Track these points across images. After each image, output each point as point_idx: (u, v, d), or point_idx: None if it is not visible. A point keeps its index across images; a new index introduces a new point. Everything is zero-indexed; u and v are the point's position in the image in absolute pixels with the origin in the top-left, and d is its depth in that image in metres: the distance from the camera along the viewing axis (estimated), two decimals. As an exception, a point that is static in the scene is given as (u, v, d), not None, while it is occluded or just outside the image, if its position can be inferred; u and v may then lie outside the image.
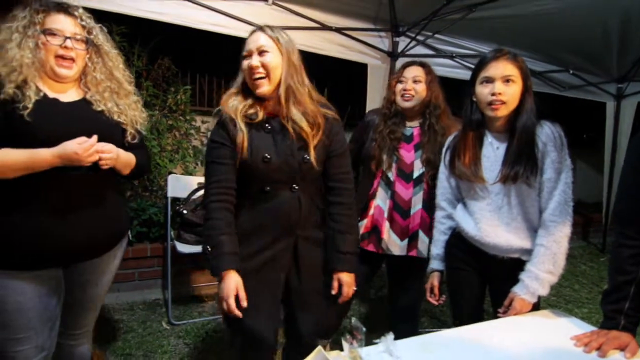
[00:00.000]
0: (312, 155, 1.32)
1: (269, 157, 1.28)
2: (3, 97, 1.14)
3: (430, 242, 1.71)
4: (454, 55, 3.38)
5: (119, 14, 2.26)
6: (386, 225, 1.79)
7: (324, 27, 2.88)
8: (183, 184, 2.64)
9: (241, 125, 1.28)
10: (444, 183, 1.58)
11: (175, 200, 2.65)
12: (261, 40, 1.28)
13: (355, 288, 1.42)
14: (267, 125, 1.31)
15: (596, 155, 4.94)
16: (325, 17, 2.88)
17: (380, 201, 1.81)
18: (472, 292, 1.55)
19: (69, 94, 1.28)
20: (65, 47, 1.21)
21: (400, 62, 3.08)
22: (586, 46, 3.34)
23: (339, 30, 2.95)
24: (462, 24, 2.90)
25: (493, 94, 1.34)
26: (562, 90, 4.05)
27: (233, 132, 1.29)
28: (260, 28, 1.31)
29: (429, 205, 1.73)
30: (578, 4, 2.61)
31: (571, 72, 3.85)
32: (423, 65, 1.81)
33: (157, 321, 2.46)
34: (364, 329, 1.02)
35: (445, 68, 3.45)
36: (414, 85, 1.76)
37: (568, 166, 1.35)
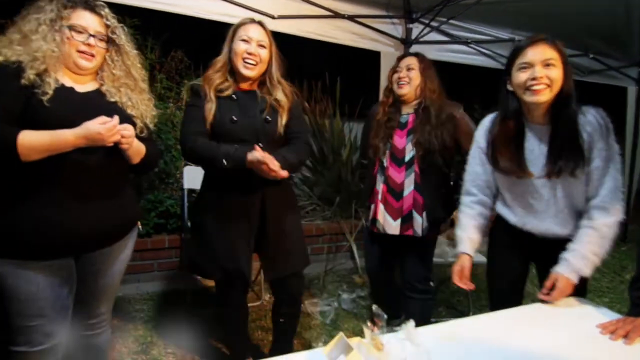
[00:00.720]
0: (283, 119, 1.59)
1: (235, 119, 1.54)
2: (24, 82, 1.17)
3: (423, 221, 1.85)
4: (469, 41, 3.31)
5: (132, 6, 2.27)
6: (380, 207, 1.92)
7: (336, 15, 2.85)
8: (198, 176, 2.64)
9: (212, 96, 1.53)
10: (475, 168, 1.52)
11: (192, 191, 2.67)
12: (262, 35, 1.56)
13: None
14: (233, 96, 1.57)
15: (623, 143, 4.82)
16: (338, 5, 2.85)
17: (378, 186, 1.95)
18: (513, 276, 1.53)
19: (85, 85, 1.32)
20: (88, 45, 1.26)
21: (414, 49, 3.03)
22: (606, 28, 3.24)
23: (351, 18, 2.91)
24: (476, 9, 2.84)
25: (534, 78, 1.27)
26: (582, 76, 3.94)
27: (203, 100, 1.54)
28: (261, 23, 1.60)
29: (422, 186, 1.86)
30: None
31: (591, 56, 3.74)
32: (417, 55, 1.94)
33: (176, 311, 2.50)
34: (385, 316, 1.01)
35: (460, 54, 3.40)
36: (408, 73, 1.88)
37: (616, 152, 1.31)
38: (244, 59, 1.53)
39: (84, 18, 1.25)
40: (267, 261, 1.67)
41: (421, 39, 3.10)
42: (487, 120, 1.51)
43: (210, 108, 1.52)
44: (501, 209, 1.52)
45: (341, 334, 0.97)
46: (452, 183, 2.01)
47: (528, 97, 1.30)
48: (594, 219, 1.31)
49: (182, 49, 3.18)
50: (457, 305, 2.75)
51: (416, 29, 3.10)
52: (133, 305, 2.53)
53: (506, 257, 1.55)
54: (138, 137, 1.37)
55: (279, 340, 1.85)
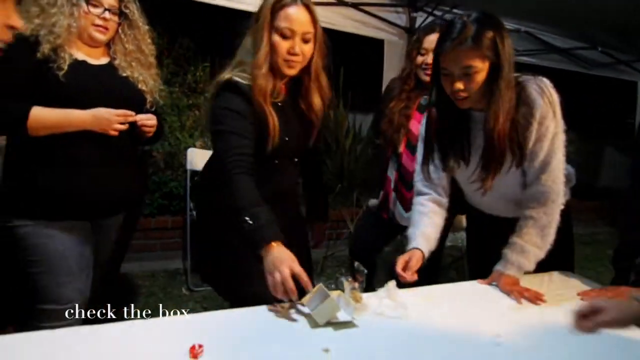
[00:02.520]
0: (313, 135, 1.36)
1: (287, 139, 1.25)
2: (39, 56, 1.21)
3: None
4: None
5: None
6: (393, 196, 1.83)
7: (340, 3, 2.89)
8: (202, 158, 2.71)
9: (271, 110, 1.19)
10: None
11: (195, 173, 2.74)
12: (307, 23, 1.18)
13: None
14: (280, 104, 1.25)
15: (624, 138, 4.76)
16: (342, -8, 2.88)
17: (390, 172, 1.85)
18: (491, 252, 1.51)
19: (97, 58, 1.36)
20: (104, 18, 1.29)
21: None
22: (616, 21, 3.20)
23: (355, 5, 2.94)
24: (481, -3, 2.84)
25: (452, 92, 1.16)
26: (588, 69, 3.91)
27: (259, 113, 1.18)
28: (306, 5, 1.18)
29: None
30: None
31: (600, 49, 3.70)
32: None
33: (177, 287, 2.57)
34: (365, 271, 1.05)
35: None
36: None
37: (560, 131, 1.18)
38: (285, 60, 1.19)
39: None
40: None
41: (425, 28, 3.12)
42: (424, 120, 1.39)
43: (272, 123, 1.19)
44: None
45: (320, 284, 1.01)
46: None
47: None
48: (532, 208, 1.21)
49: (188, 36, 3.25)
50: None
51: (420, 17, 3.11)
52: (135, 281, 2.61)
53: (481, 232, 1.52)
54: (147, 111, 1.43)
55: None
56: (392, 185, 1.83)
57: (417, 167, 1.41)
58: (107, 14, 1.29)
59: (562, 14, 3.11)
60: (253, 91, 1.17)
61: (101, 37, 1.31)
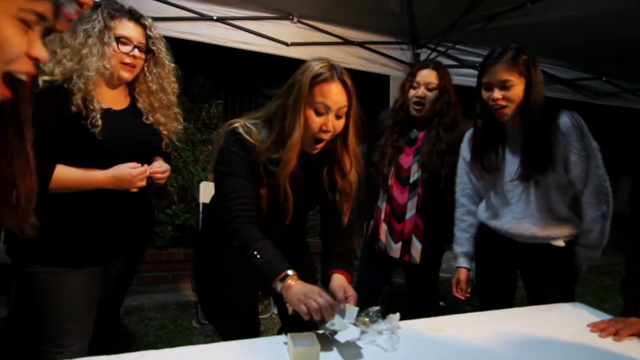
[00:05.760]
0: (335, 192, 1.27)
1: (282, 202, 1.19)
2: (74, 110, 1.19)
3: (422, 248, 1.77)
4: (477, 64, 3.41)
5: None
6: (384, 228, 1.85)
7: (346, 42, 3.03)
8: (213, 191, 2.79)
9: (287, 187, 1.16)
10: (462, 178, 1.62)
11: (207, 206, 2.81)
12: (342, 100, 1.13)
13: None
14: (294, 176, 1.19)
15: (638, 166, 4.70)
16: (348, 32, 3.02)
17: (380, 203, 1.87)
18: (499, 281, 1.58)
19: (119, 101, 1.35)
20: (133, 56, 1.27)
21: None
22: (618, 52, 3.26)
23: (361, 44, 3.08)
24: (483, 33, 2.94)
25: (493, 100, 1.38)
26: (594, 98, 3.94)
27: (257, 167, 1.16)
28: (343, 81, 1.13)
29: (423, 211, 1.78)
30: (603, 8, 2.55)
31: (604, 79, 3.76)
32: (437, 68, 1.77)
33: (187, 320, 2.59)
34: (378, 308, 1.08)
35: (469, 78, 3.48)
36: (427, 93, 1.74)
37: (595, 149, 1.37)
38: (316, 136, 1.15)
39: (129, 28, 1.26)
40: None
41: (429, 63, 3.23)
42: (469, 133, 1.59)
43: (266, 192, 1.18)
44: (482, 215, 1.58)
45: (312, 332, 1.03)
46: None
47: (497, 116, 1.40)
48: (583, 217, 1.40)
49: (203, 74, 3.42)
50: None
51: (424, 53, 3.23)
52: (147, 313, 2.63)
53: (491, 264, 1.60)
54: (163, 151, 1.45)
55: None
56: (383, 216, 1.85)
57: (458, 179, 1.63)
58: (136, 52, 1.27)
59: (565, 46, 3.19)
60: (280, 168, 1.14)
61: (128, 76, 1.29)
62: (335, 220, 1.32)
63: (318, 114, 1.12)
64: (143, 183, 1.29)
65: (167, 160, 1.50)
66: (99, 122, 1.21)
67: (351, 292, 1.13)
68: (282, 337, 1.05)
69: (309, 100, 1.12)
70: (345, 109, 1.15)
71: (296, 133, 1.12)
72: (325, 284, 1.22)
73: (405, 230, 1.80)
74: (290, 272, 1.08)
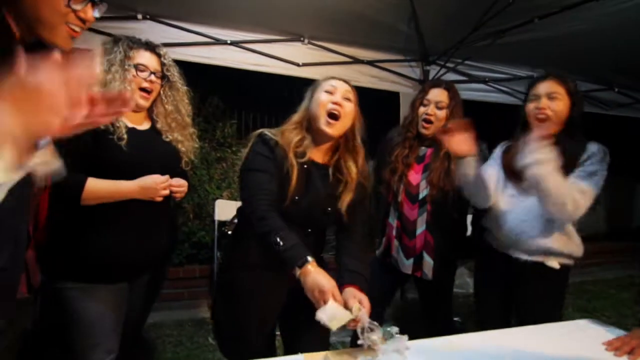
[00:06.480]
0: (344, 204, 1.35)
1: (298, 199, 1.30)
2: (100, 128, 1.30)
3: (432, 263, 1.78)
4: (486, 80, 3.44)
5: (176, 60, 2.60)
6: (395, 244, 1.87)
7: (356, 61, 3.09)
8: (229, 208, 2.86)
9: (292, 159, 1.29)
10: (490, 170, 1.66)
11: (222, 224, 2.87)
12: (346, 89, 1.36)
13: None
14: (305, 166, 1.32)
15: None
16: (358, 51, 3.09)
17: (391, 219, 1.90)
18: (498, 301, 1.59)
19: (140, 123, 1.48)
20: (150, 81, 1.42)
21: (431, 89, 3.18)
22: (629, 62, 3.26)
23: (371, 63, 3.14)
24: (492, 49, 2.97)
25: (538, 108, 1.48)
26: (607, 110, 3.92)
27: (281, 160, 1.30)
28: (346, 81, 1.39)
29: (433, 226, 1.79)
30: (611, 20, 2.55)
31: (616, 90, 3.74)
32: (449, 89, 1.82)
33: (203, 337, 2.62)
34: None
35: (479, 93, 3.51)
36: (437, 111, 1.78)
37: (601, 174, 1.43)
38: (328, 111, 1.31)
39: (146, 57, 1.42)
40: (287, 332, 1.52)
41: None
42: (503, 146, 1.69)
43: (293, 174, 1.29)
44: (488, 235, 1.64)
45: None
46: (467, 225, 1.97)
47: (536, 127, 1.44)
48: None
49: (217, 95, 3.52)
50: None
51: (433, 70, 3.27)
52: (164, 330, 2.68)
53: (488, 280, 1.66)
54: (183, 169, 1.54)
55: None
56: (394, 233, 1.87)
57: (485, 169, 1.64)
58: (152, 77, 1.41)
59: (573, 59, 3.19)
60: (279, 138, 1.32)
61: (145, 103, 1.43)
62: (348, 235, 1.40)
63: (327, 93, 1.34)
64: (166, 192, 1.39)
65: (184, 179, 1.56)
66: (125, 136, 1.34)
67: (364, 300, 1.18)
68: (297, 357, 1.09)
69: (316, 94, 1.35)
70: (351, 95, 1.36)
71: (299, 111, 1.38)
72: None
73: (417, 246, 1.82)
74: (309, 258, 1.16)
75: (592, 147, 1.45)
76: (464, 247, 1.88)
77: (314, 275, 1.14)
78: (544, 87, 1.47)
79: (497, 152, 1.69)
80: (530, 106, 1.49)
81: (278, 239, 1.18)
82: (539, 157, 1.34)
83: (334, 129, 1.32)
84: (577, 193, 1.37)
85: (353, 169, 1.38)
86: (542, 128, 1.39)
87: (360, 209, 1.43)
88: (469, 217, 1.99)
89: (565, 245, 1.50)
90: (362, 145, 1.41)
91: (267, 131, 1.36)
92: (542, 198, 1.40)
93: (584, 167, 1.43)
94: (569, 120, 1.47)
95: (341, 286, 1.25)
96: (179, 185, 1.46)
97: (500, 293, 1.59)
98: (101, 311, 1.36)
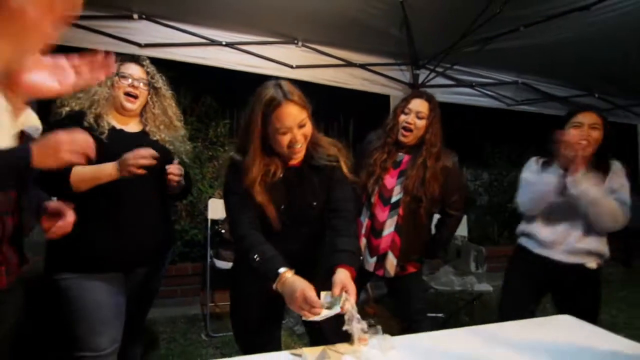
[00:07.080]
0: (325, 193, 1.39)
1: (283, 207, 1.36)
2: (85, 125, 1.43)
3: (396, 262, 1.86)
4: (473, 84, 3.55)
5: (169, 60, 2.63)
6: (363, 242, 1.93)
7: (348, 64, 3.16)
8: (222, 207, 2.88)
9: (259, 190, 1.31)
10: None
11: (215, 222, 2.91)
12: (300, 114, 1.27)
13: None
14: (281, 175, 1.36)
15: (635, 179, 4.83)
16: (350, 54, 3.16)
17: (362, 218, 1.95)
18: (524, 302, 1.84)
19: (132, 126, 1.60)
20: (133, 86, 1.54)
21: (421, 92, 3.27)
22: (609, 70, 3.39)
23: (362, 66, 3.21)
24: (480, 55, 3.07)
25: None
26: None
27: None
28: (291, 100, 1.25)
29: (402, 229, 1.86)
30: (593, 30, 2.64)
31: (597, 95, 3.89)
32: (429, 100, 1.89)
33: (196, 333, 2.67)
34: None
35: (466, 96, 3.62)
36: (417, 121, 1.85)
37: (625, 186, 1.75)
38: (290, 148, 1.31)
39: (130, 68, 1.56)
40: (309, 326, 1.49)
41: (427, 83, 3.36)
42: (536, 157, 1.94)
43: (269, 195, 1.34)
44: (527, 242, 1.86)
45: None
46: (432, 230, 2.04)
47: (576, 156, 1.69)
48: None
49: (210, 95, 3.55)
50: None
51: (423, 74, 3.36)
52: (157, 327, 2.71)
53: (521, 286, 1.87)
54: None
55: None
56: (364, 231, 1.92)
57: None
58: (135, 83, 1.54)
59: (557, 65, 3.32)
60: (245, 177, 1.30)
61: (131, 106, 1.54)
62: (339, 222, 1.39)
63: (283, 134, 1.27)
64: (146, 162, 1.39)
65: (185, 177, 1.65)
66: (105, 131, 1.46)
67: (350, 287, 1.20)
68: (297, 351, 1.15)
69: (270, 129, 1.28)
70: (305, 119, 1.29)
71: (251, 153, 1.30)
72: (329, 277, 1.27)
73: (381, 246, 1.88)
74: (282, 269, 1.20)
75: (617, 164, 1.76)
76: (428, 248, 1.98)
77: (288, 284, 1.18)
78: (587, 119, 1.74)
79: (533, 166, 1.90)
80: (574, 131, 1.74)
81: (255, 256, 1.24)
82: (585, 187, 1.64)
83: (301, 153, 1.34)
84: (618, 208, 1.67)
85: (321, 159, 1.39)
86: (581, 161, 1.65)
87: (342, 188, 1.42)
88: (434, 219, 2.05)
89: (602, 246, 1.77)
90: (322, 135, 1.44)
91: (235, 156, 1.36)
92: (593, 217, 1.67)
93: (613, 181, 1.72)
94: (602, 145, 1.75)
95: (332, 267, 1.27)
96: (177, 168, 1.55)
97: (529, 298, 1.85)
98: (100, 298, 1.44)
